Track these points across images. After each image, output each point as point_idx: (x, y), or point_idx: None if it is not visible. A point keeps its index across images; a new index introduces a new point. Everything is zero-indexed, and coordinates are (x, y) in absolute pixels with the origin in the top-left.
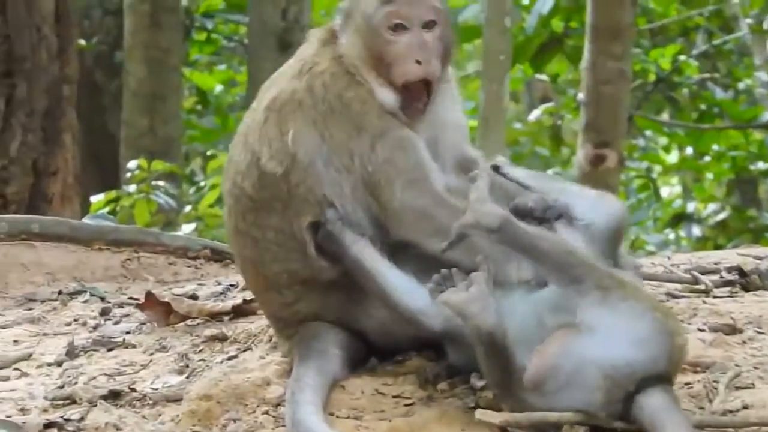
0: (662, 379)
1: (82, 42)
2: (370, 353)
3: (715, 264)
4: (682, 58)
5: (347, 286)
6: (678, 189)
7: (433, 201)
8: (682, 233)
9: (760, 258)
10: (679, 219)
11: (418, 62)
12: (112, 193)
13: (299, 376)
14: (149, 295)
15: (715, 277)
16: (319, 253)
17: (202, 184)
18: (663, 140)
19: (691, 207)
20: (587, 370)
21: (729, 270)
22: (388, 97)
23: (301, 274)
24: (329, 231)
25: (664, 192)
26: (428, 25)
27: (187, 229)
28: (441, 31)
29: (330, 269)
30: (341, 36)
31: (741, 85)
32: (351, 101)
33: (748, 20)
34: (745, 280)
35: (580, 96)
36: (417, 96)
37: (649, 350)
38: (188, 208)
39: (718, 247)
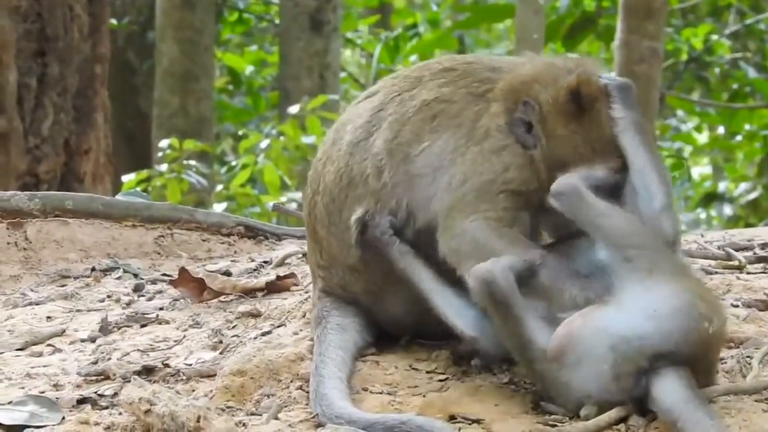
0: (679, 360)
1: (114, 22)
2: None
3: (749, 241)
4: (714, 37)
5: (370, 280)
6: (709, 169)
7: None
8: (713, 213)
9: None
10: (711, 198)
11: None
12: (144, 173)
13: (321, 351)
14: (183, 271)
15: (749, 254)
16: (358, 243)
17: (233, 163)
18: (694, 120)
19: (722, 186)
20: (597, 341)
21: (762, 246)
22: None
23: (334, 250)
24: (377, 237)
25: (695, 172)
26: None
27: (218, 208)
28: None
29: (359, 261)
30: (520, 132)
31: None
32: (503, 163)
33: None
34: None
35: (613, 75)
36: None
37: (663, 325)
38: (219, 187)
39: (749, 226)
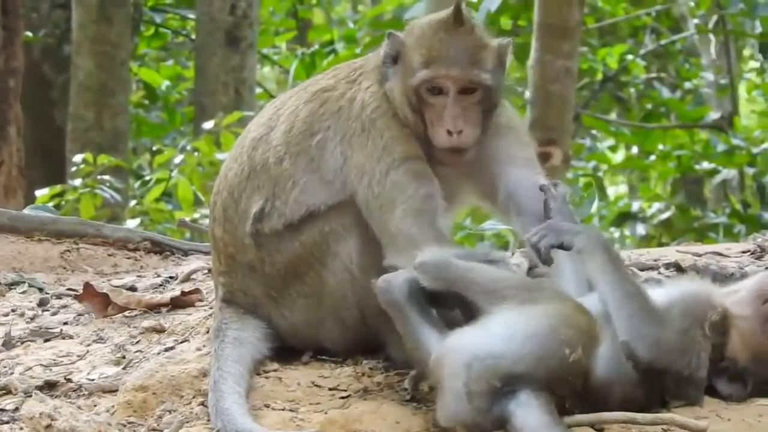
0: (537, 385)
1: (29, 34)
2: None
3: (654, 260)
4: (630, 57)
5: (268, 282)
6: (624, 188)
7: (428, 234)
8: (626, 232)
9: (698, 255)
10: (624, 218)
11: (449, 132)
12: (57, 187)
13: (219, 366)
14: (87, 286)
15: (654, 273)
16: (253, 236)
17: (147, 178)
18: (610, 140)
19: (636, 206)
20: (456, 360)
21: (667, 266)
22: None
23: (230, 249)
24: (395, 299)
25: (611, 191)
26: (466, 91)
27: (131, 224)
28: (481, 95)
29: (255, 256)
30: (387, 69)
31: (687, 85)
32: (382, 129)
33: (696, 21)
34: None
35: (527, 94)
36: (450, 158)
37: (518, 347)
38: (133, 202)
39: (662, 245)
